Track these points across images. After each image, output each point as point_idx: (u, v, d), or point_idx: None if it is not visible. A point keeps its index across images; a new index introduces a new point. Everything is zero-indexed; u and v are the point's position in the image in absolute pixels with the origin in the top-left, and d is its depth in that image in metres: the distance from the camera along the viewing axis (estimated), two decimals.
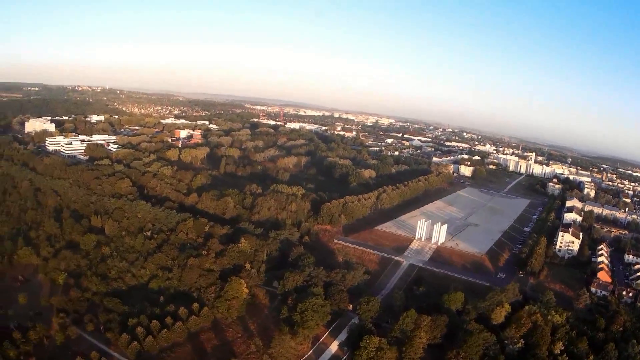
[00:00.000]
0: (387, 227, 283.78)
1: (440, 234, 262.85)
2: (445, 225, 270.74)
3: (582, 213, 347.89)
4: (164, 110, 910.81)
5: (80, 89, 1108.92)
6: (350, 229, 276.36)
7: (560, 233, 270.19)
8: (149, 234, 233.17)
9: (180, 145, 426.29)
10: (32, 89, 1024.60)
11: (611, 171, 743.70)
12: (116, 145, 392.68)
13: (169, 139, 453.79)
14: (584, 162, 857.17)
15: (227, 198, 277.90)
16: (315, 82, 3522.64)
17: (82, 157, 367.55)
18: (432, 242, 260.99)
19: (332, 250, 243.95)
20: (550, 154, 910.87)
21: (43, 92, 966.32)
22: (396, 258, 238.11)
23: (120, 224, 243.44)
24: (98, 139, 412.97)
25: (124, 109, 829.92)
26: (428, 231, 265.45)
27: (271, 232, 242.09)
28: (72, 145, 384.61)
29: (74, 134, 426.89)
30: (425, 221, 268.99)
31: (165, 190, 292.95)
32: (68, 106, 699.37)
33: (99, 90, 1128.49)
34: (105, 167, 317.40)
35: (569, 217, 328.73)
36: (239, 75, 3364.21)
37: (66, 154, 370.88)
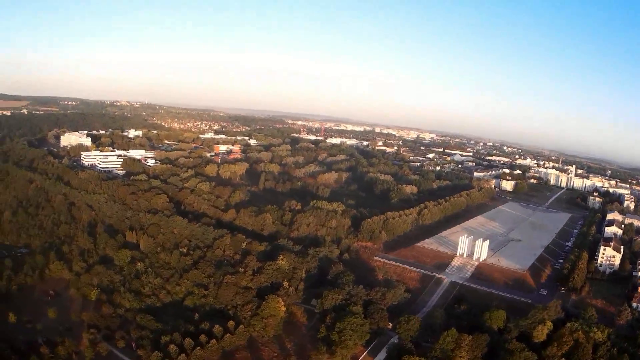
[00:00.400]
0: (428, 243, 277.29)
1: (482, 250, 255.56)
2: (487, 242, 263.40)
3: (623, 226, 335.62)
4: (204, 125, 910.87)
5: (118, 103, 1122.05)
6: (390, 245, 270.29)
7: (602, 247, 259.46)
8: (185, 250, 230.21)
9: (219, 161, 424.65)
10: (70, 103, 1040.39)
11: None
12: (153, 161, 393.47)
13: (208, 154, 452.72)
14: (623, 174, 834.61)
15: (265, 214, 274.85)
16: (357, 96, 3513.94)
17: (118, 171, 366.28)
18: (474, 258, 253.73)
19: (372, 268, 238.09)
20: (589, 167, 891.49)
21: (80, 107, 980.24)
22: (437, 275, 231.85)
23: (156, 239, 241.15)
24: (135, 153, 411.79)
25: (162, 124, 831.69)
26: (470, 247, 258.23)
27: (310, 249, 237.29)
28: (108, 160, 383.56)
29: (110, 148, 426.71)
30: (467, 237, 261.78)
31: (202, 206, 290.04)
32: (105, 120, 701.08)
33: (137, 105, 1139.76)
34: (141, 182, 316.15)
35: (610, 230, 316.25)
36: (280, 90, 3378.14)
37: (102, 169, 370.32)
